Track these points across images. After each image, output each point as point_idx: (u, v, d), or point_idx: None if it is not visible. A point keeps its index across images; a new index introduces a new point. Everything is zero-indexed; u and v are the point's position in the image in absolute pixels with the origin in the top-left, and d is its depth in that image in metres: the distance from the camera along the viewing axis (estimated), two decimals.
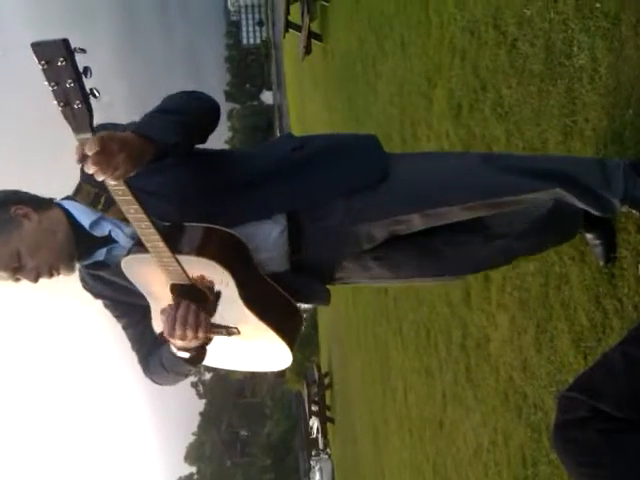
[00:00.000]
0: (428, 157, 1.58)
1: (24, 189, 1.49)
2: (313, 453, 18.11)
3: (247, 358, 1.57)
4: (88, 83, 1.06)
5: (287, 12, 10.72)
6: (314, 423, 15.40)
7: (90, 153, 1.10)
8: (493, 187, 1.50)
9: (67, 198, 1.48)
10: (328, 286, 1.62)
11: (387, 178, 1.49)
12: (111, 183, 1.16)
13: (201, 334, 1.35)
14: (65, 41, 1.00)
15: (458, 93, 3.25)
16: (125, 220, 1.31)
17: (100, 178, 1.14)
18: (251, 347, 1.51)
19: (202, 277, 1.36)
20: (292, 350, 1.50)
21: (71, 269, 1.47)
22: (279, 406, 51.14)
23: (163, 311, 1.36)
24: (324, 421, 14.61)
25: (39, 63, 1.01)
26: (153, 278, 1.38)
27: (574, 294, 2.01)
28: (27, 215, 1.42)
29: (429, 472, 4.16)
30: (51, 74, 1.02)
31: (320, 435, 15.71)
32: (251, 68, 62.14)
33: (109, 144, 1.12)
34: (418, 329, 4.33)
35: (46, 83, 1.03)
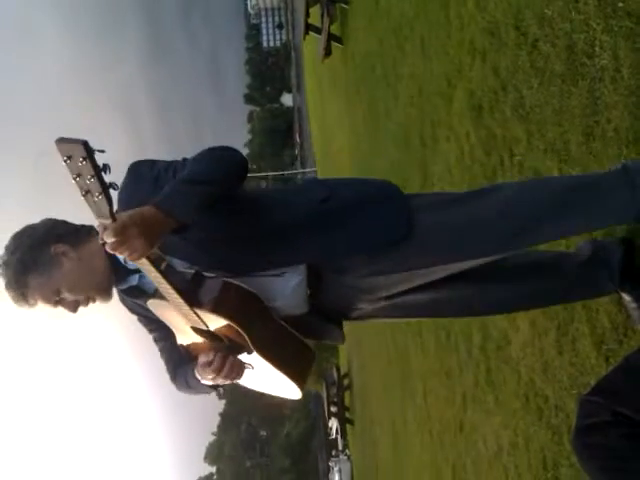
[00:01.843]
0: (448, 203, 1.55)
1: (65, 217, 1.59)
2: (332, 454, 18.10)
3: (262, 383, 1.67)
4: (108, 178, 1.15)
5: (307, 15, 10.76)
6: (333, 424, 15.40)
7: (108, 241, 1.21)
8: (516, 238, 1.51)
9: None
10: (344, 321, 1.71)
11: (411, 234, 1.49)
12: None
13: (229, 378, 1.48)
14: (85, 143, 1.08)
15: (478, 94, 3.24)
16: None
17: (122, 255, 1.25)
18: (265, 377, 1.60)
19: (221, 330, 1.47)
20: (302, 387, 1.59)
21: (108, 298, 1.57)
22: (298, 407, 51.14)
23: (206, 354, 1.47)
24: (343, 422, 14.61)
25: (62, 158, 1.10)
26: (175, 319, 1.50)
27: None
28: (66, 253, 1.50)
29: (448, 474, 4.14)
30: (73, 168, 1.11)
31: (339, 436, 15.70)
32: (271, 71, 62.38)
33: (127, 231, 1.22)
34: (438, 331, 4.31)
35: (69, 174, 1.12)
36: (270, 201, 1.59)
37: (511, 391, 2.84)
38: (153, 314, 1.59)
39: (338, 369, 15.82)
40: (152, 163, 1.52)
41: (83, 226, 1.56)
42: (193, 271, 1.46)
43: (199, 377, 1.52)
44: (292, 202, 1.57)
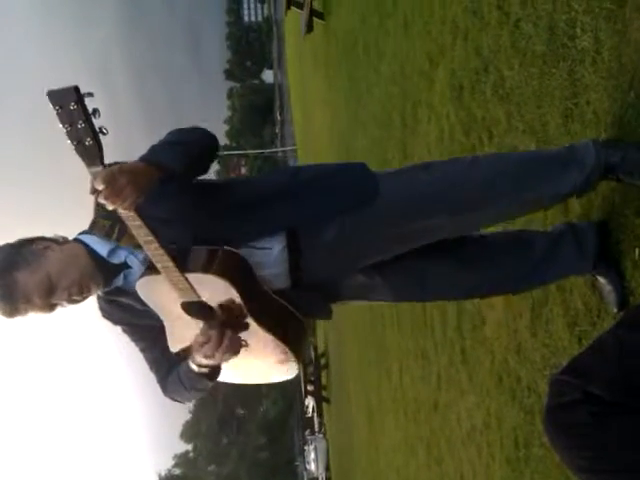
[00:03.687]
0: (413, 172, 1.69)
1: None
2: (308, 432, 18.28)
3: (256, 371, 1.67)
4: (97, 122, 1.19)
5: None
6: (309, 402, 15.55)
7: (100, 188, 1.23)
8: (479, 198, 1.63)
9: (84, 233, 1.60)
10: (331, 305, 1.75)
11: (377, 195, 1.60)
12: (122, 211, 1.29)
13: (226, 356, 1.48)
14: (76, 88, 1.14)
15: (460, 74, 3.22)
16: (138, 247, 1.45)
17: (111, 208, 1.27)
18: (259, 359, 1.60)
19: (213, 298, 1.47)
20: (299, 360, 1.60)
21: (101, 283, 1.56)
22: (275, 385, 51.46)
23: (203, 333, 1.47)
24: (319, 401, 14.75)
25: (54, 108, 1.15)
26: (166, 298, 1.49)
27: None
28: (48, 247, 1.53)
29: (423, 452, 4.20)
30: (64, 117, 1.16)
31: (315, 414, 15.85)
32: (252, 46, 61.63)
33: (117, 178, 1.25)
34: (414, 311, 4.34)
35: (60, 126, 1.17)
36: (244, 179, 1.78)
37: (485, 371, 2.88)
38: (137, 318, 1.61)
39: (315, 348, 15.93)
40: None
41: (59, 237, 1.59)
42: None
43: (194, 366, 1.52)
44: (265, 178, 1.75)
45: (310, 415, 16.51)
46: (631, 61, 1.74)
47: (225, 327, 1.47)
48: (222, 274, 1.44)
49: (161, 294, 1.49)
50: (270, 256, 1.55)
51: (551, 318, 2.17)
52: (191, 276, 1.42)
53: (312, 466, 17.00)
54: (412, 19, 4.33)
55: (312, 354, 15.12)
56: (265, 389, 52.02)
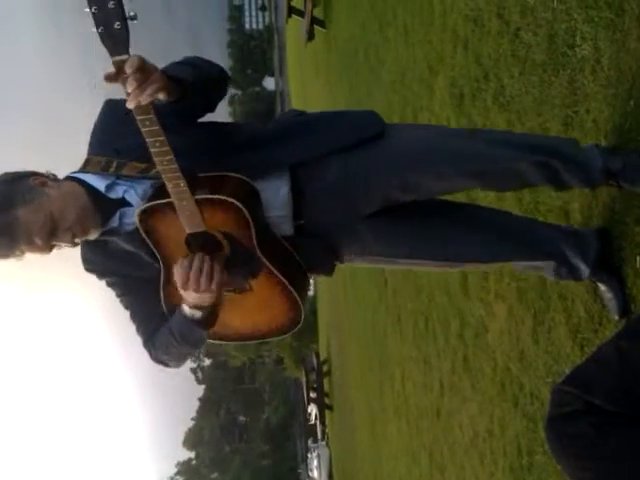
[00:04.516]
0: (422, 125, 1.78)
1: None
2: (310, 440, 18.23)
3: (257, 322, 1.58)
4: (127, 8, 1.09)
5: None
6: (312, 410, 15.51)
7: (130, 71, 1.14)
8: (481, 156, 1.58)
9: (76, 172, 1.51)
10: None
11: (382, 137, 1.56)
12: (143, 106, 1.18)
13: (214, 285, 1.35)
14: None
15: (460, 82, 3.23)
16: (138, 177, 1.40)
17: (137, 98, 1.16)
18: (262, 308, 1.52)
19: (219, 227, 1.38)
20: (303, 305, 1.52)
21: (99, 228, 1.47)
22: (278, 392, 51.39)
23: (178, 263, 1.36)
24: (322, 408, 14.70)
25: None
26: (168, 233, 1.39)
27: (572, 285, 2.01)
28: (45, 183, 1.44)
29: (425, 460, 4.19)
30: None
31: (318, 422, 15.81)
32: (253, 53, 61.80)
33: (146, 64, 1.17)
34: (416, 318, 4.34)
35: (87, 9, 1.08)
36: (247, 122, 1.86)
37: (488, 378, 2.87)
38: (127, 265, 1.51)
39: (318, 355, 15.91)
40: None
41: (50, 174, 1.50)
42: None
43: (187, 309, 1.40)
44: (272, 120, 1.73)
45: (313, 422, 16.47)
46: (630, 70, 1.75)
47: (229, 264, 1.38)
48: (234, 196, 1.35)
49: (163, 227, 1.39)
50: (277, 195, 1.50)
51: (553, 326, 2.17)
52: (201, 198, 1.33)
53: (315, 474, 16.93)
54: (412, 27, 4.35)
55: (315, 361, 15.09)
56: (267, 397, 51.90)
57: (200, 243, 1.39)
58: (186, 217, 1.34)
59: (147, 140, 1.24)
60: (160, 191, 1.38)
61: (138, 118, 1.20)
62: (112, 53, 1.12)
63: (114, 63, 1.13)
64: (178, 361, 1.59)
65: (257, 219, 1.41)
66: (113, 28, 1.08)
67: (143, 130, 1.22)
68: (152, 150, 1.25)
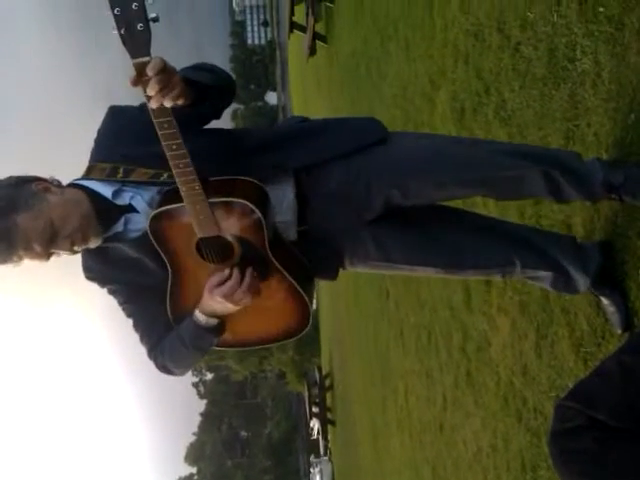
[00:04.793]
0: (424, 134, 1.79)
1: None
2: (313, 455, 18.10)
3: (264, 327, 1.58)
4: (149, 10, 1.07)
5: (292, 13, 10.72)
6: (315, 424, 15.40)
7: (152, 73, 1.12)
8: (483, 164, 1.59)
9: (79, 179, 1.50)
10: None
11: (384, 144, 1.59)
12: (163, 109, 1.17)
13: (251, 298, 1.40)
14: None
15: (461, 96, 3.25)
16: (146, 183, 1.40)
17: (160, 101, 1.15)
18: (269, 312, 1.53)
19: (231, 232, 1.38)
20: (310, 306, 1.53)
21: (99, 237, 1.46)
22: (280, 407, 51.12)
23: (223, 272, 1.39)
24: (324, 423, 14.61)
25: None
26: (177, 236, 1.39)
27: (574, 299, 2.00)
28: (48, 189, 1.43)
29: (429, 475, 4.15)
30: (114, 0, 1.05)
31: (320, 437, 15.70)
32: (256, 68, 62.18)
33: (168, 65, 1.16)
34: (419, 332, 4.32)
35: (109, 12, 1.06)
36: (253, 128, 1.86)
37: (491, 393, 2.86)
38: (131, 272, 1.50)
39: (320, 369, 15.84)
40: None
41: (54, 179, 1.50)
42: None
43: (202, 317, 1.42)
44: (274, 127, 1.80)
45: (315, 437, 16.36)
46: (631, 83, 1.75)
47: (245, 264, 1.38)
48: (248, 198, 1.35)
49: (174, 232, 1.38)
50: (282, 202, 1.50)
51: (556, 340, 2.16)
52: (215, 201, 1.32)
53: None
54: (414, 42, 4.37)
55: (317, 376, 15.02)
56: (269, 411, 51.60)
57: (211, 247, 1.39)
58: (199, 221, 1.34)
59: (163, 143, 1.22)
60: (170, 196, 1.37)
61: (156, 121, 1.19)
62: (133, 55, 1.10)
63: (135, 65, 1.11)
64: (185, 368, 1.60)
65: (269, 222, 1.41)
66: (136, 30, 1.06)
67: (160, 133, 1.21)
68: (168, 153, 1.24)
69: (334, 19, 8.86)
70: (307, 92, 15.50)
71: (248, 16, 71.74)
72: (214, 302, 1.40)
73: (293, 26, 10.89)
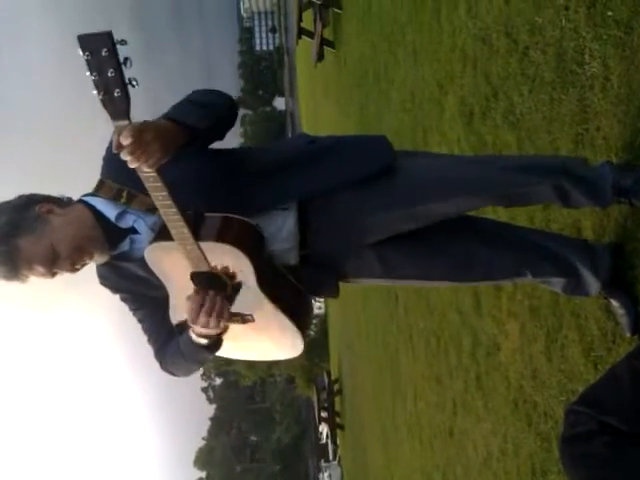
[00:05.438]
0: (431, 154, 1.73)
1: (42, 192, 1.54)
2: (322, 460, 18.06)
3: (260, 347, 1.63)
4: (127, 73, 1.10)
5: (300, 19, 10.75)
6: (324, 429, 15.37)
7: (125, 143, 1.15)
8: (494, 184, 1.60)
9: (89, 195, 1.54)
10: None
11: (393, 170, 1.57)
12: (144, 170, 1.21)
13: (222, 323, 1.42)
14: (110, 33, 1.06)
15: (470, 100, 3.25)
16: (147, 211, 1.42)
17: (134, 165, 1.19)
18: (264, 335, 1.56)
19: (223, 266, 1.43)
20: (304, 336, 1.56)
21: (105, 254, 1.51)
22: (289, 412, 51.06)
23: (189, 298, 1.41)
24: (333, 427, 14.58)
25: (83, 54, 1.06)
26: (174, 267, 1.44)
27: (584, 303, 2.00)
28: (51, 211, 1.47)
29: None
30: (94, 64, 1.07)
31: (330, 441, 15.67)
32: (264, 74, 62.40)
33: (143, 134, 1.18)
34: (428, 337, 4.31)
35: (87, 74, 1.08)
36: (257, 148, 1.76)
37: (501, 397, 2.85)
38: (139, 286, 1.55)
39: (329, 374, 15.81)
40: None
41: (64, 197, 1.54)
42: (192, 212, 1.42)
43: (194, 336, 1.47)
44: (281, 145, 1.72)
45: (324, 442, 16.32)
46: None
47: (232, 298, 1.43)
48: (236, 244, 1.39)
49: (169, 262, 1.43)
50: (282, 229, 1.51)
51: (566, 343, 2.15)
52: (204, 244, 1.37)
53: None
54: (421, 47, 4.38)
55: (326, 380, 15.00)
56: (278, 416, 51.52)
57: (203, 280, 1.44)
58: (191, 258, 1.39)
59: (151, 193, 1.26)
60: (166, 231, 1.40)
61: (141, 175, 1.23)
62: (114, 118, 1.13)
63: (116, 128, 1.15)
64: (185, 374, 1.66)
65: (260, 261, 1.45)
66: (113, 95, 1.09)
67: (146, 185, 1.25)
68: (156, 202, 1.28)
69: (342, 25, 8.88)
70: (315, 98, 15.53)
71: (256, 22, 72.07)
72: (198, 327, 1.44)
73: (301, 32, 10.92)
